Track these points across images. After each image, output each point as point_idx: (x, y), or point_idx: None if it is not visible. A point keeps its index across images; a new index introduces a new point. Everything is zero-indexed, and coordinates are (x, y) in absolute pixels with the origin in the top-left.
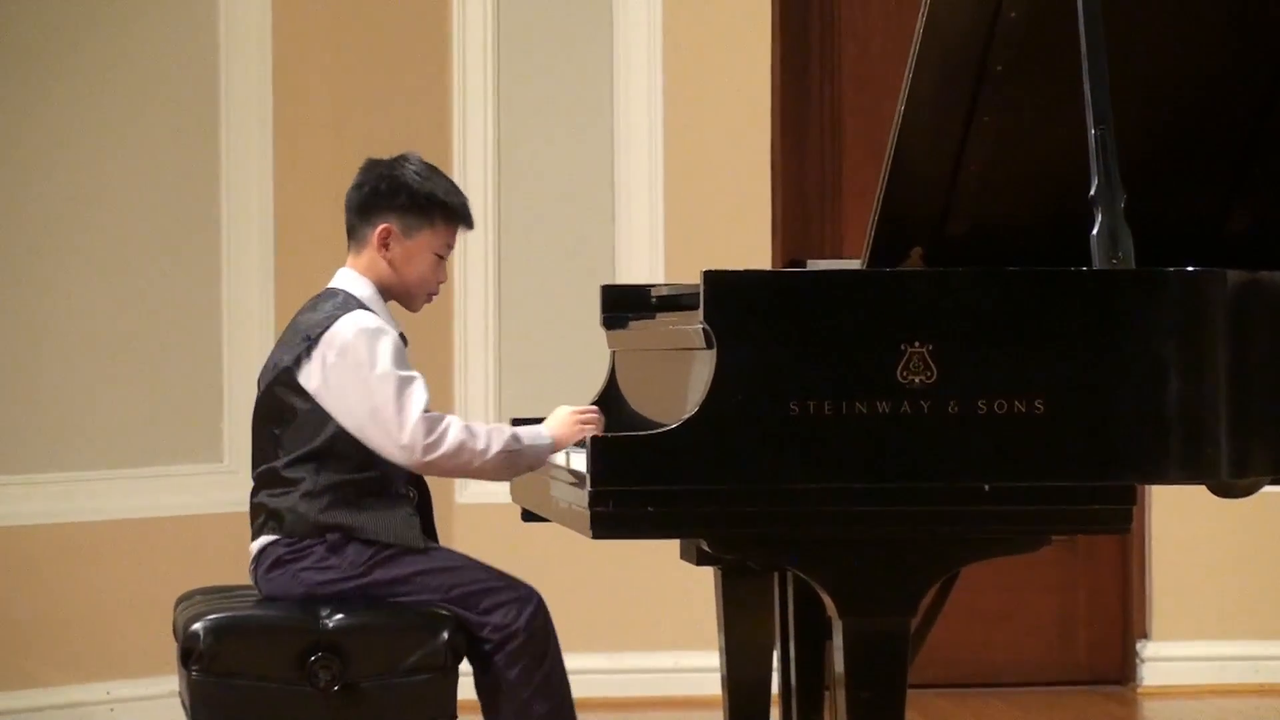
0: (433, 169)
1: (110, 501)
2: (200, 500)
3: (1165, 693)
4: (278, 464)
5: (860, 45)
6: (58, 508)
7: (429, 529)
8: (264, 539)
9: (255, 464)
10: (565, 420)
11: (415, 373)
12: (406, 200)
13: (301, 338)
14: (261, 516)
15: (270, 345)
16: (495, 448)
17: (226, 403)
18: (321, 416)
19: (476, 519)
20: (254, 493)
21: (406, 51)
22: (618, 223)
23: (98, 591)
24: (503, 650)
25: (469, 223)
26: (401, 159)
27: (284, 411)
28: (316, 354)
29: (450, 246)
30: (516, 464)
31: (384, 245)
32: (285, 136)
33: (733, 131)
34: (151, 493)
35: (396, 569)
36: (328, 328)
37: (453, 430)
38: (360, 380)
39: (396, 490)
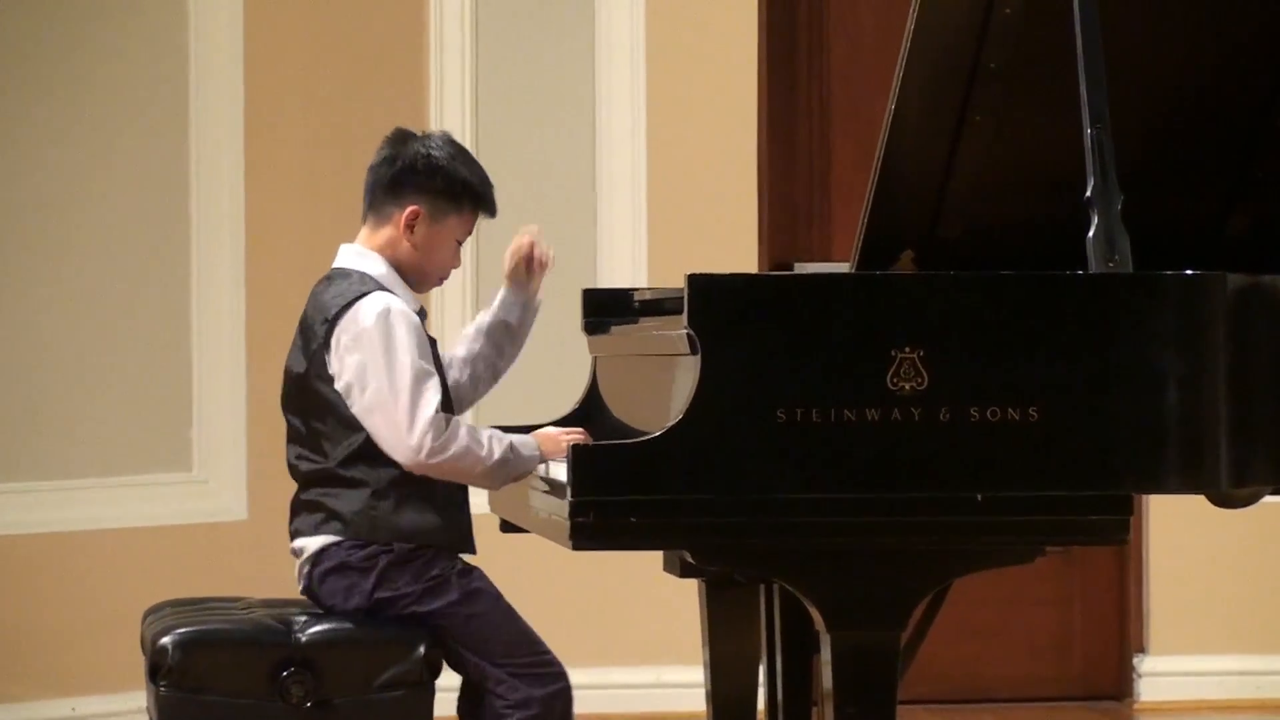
0: (465, 151)
1: (76, 511)
2: (169, 510)
3: (1163, 709)
4: (330, 464)
5: (850, 42)
6: (21, 518)
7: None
8: (323, 539)
9: (293, 455)
10: (551, 434)
11: (431, 368)
12: (442, 184)
13: (321, 320)
14: (320, 514)
15: (241, 350)
16: (496, 454)
17: (196, 410)
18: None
19: None
20: (303, 488)
21: (381, 45)
22: (599, 224)
23: (63, 604)
24: (512, 713)
25: (494, 212)
26: (432, 137)
27: (320, 406)
28: (333, 337)
29: (470, 233)
30: (510, 473)
31: (409, 227)
32: (256, 135)
33: (718, 130)
34: (119, 502)
35: (447, 597)
36: (345, 309)
37: (460, 435)
38: (375, 367)
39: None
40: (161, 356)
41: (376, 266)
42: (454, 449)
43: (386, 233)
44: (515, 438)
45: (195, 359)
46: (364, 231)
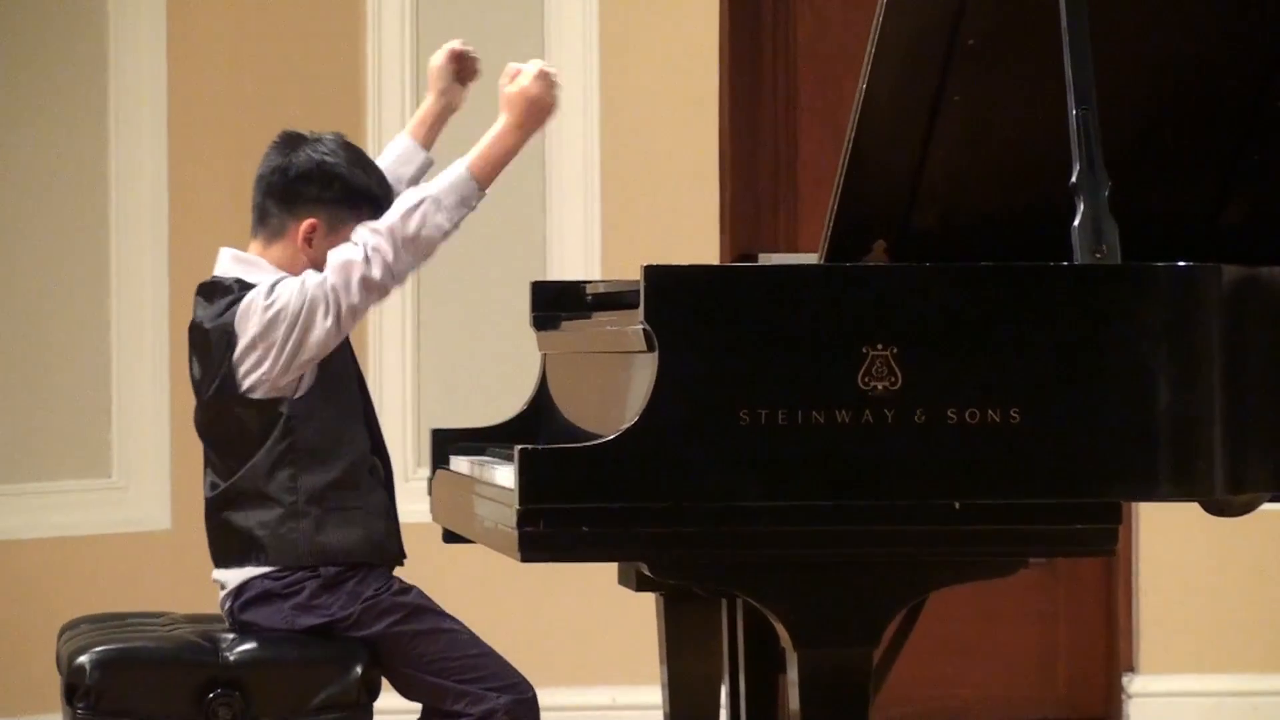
0: (361, 152)
1: None
2: (86, 519)
3: None
4: (240, 478)
5: (818, 16)
6: None
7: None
8: (248, 570)
9: (208, 479)
10: (523, 99)
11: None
12: (340, 192)
13: (219, 339)
14: (236, 543)
15: (165, 347)
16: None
17: (115, 412)
18: (270, 417)
19: None
20: (215, 512)
21: (315, 21)
22: (549, 212)
23: None
24: None
25: None
26: (324, 139)
27: (229, 424)
28: (241, 347)
29: None
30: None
31: (307, 241)
32: (180, 121)
33: (677, 111)
34: (31, 511)
35: (389, 618)
36: (233, 319)
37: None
38: (285, 307)
39: (370, 472)
40: (78, 354)
41: (259, 273)
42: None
43: (280, 248)
44: (437, 187)
45: (114, 356)
46: (255, 246)
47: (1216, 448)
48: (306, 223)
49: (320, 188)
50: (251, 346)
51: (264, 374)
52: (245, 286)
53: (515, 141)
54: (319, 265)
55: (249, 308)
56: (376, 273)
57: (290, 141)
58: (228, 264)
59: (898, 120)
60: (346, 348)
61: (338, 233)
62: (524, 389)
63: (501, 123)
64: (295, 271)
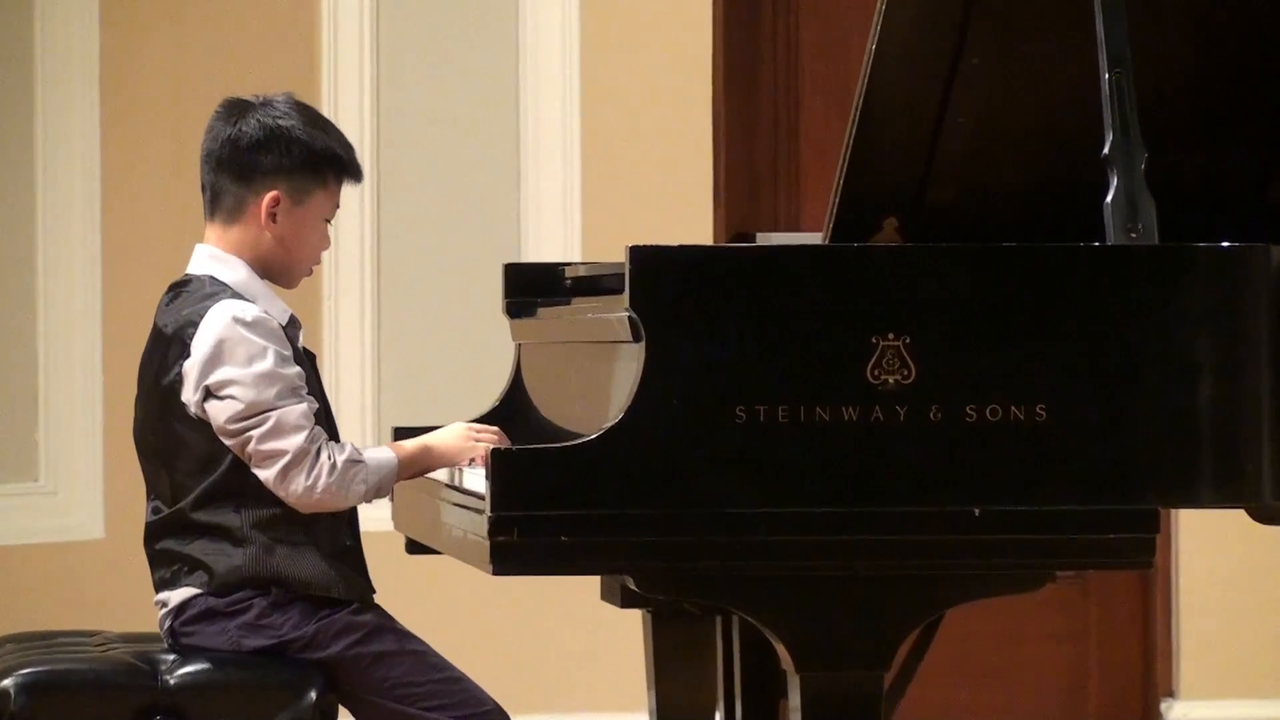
0: (314, 111)
1: None
2: (11, 527)
3: None
4: (184, 506)
5: None
6: None
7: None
8: (187, 590)
9: (151, 503)
10: (454, 434)
11: (298, 382)
12: (300, 157)
13: (176, 346)
14: (177, 565)
15: (96, 339)
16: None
17: (42, 411)
18: (219, 446)
19: None
20: (155, 538)
21: None
22: (524, 187)
23: None
24: None
25: (360, 176)
26: (273, 102)
27: (172, 442)
28: (185, 368)
29: (337, 207)
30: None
31: (271, 216)
32: (114, 82)
33: (666, 74)
34: None
35: (347, 640)
36: (193, 333)
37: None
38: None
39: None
40: (2, 349)
41: (233, 272)
42: (331, 488)
43: (242, 229)
44: (371, 459)
45: (41, 347)
46: (213, 232)
47: (1265, 448)
48: (268, 196)
49: (279, 155)
50: (205, 378)
51: (213, 423)
52: (217, 284)
53: (424, 463)
54: (285, 242)
55: (209, 346)
56: (356, 492)
57: (236, 109)
58: (204, 261)
59: (911, 84)
60: (315, 381)
61: (303, 204)
62: (496, 383)
63: (433, 444)
64: (260, 253)
